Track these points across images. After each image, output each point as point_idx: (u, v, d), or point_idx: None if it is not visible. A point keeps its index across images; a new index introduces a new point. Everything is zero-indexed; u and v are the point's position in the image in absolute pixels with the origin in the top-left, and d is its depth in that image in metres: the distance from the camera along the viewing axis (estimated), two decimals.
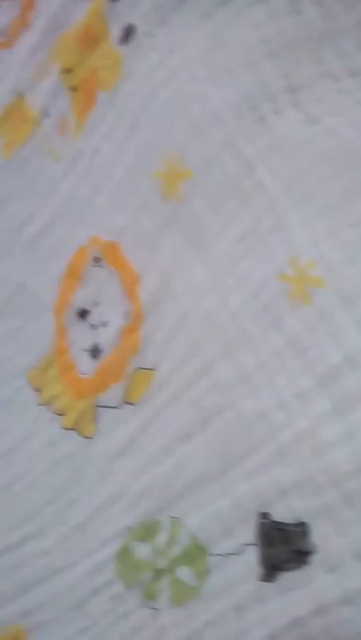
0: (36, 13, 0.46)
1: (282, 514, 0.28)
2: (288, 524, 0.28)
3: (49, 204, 0.41)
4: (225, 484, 0.30)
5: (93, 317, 0.37)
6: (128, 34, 0.37)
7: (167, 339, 0.33)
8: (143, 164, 0.35)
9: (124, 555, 0.32)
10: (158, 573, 0.31)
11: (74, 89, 0.40)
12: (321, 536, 0.27)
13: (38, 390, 0.38)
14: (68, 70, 0.41)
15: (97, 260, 0.37)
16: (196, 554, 0.30)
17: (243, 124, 0.31)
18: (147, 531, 0.32)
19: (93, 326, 0.37)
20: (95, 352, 0.36)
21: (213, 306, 0.31)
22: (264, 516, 0.29)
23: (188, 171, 0.32)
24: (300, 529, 0.27)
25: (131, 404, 0.34)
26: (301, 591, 0.27)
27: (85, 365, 0.37)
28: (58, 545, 0.34)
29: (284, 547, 0.28)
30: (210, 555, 0.30)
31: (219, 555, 0.29)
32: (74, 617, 0.32)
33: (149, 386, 0.34)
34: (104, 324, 0.36)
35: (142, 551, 0.31)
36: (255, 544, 0.29)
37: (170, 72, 0.34)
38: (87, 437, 0.35)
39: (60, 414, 0.37)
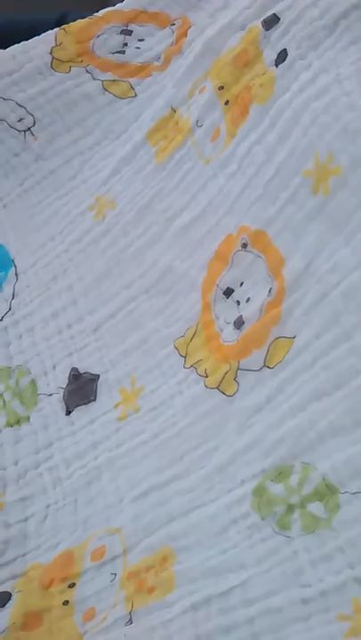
0: (189, 42, 0.54)
1: None
2: None
3: (198, 200, 0.47)
4: (356, 435, 0.35)
5: (237, 295, 0.43)
6: (281, 57, 0.44)
7: (308, 311, 0.38)
8: (294, 164, 0.40)
9: (259, 491, 0.37)
10: (291, 507, 0.35)
11: (227, 103, 0.47)
12: None
13: (184, 356, 0.44)
14: (222, 87, 0.48)
15: (245, 245, 0.43)
16: (326, 492, 0.35)
17: None
18: (280, 473, 0.37)
19: (237, 302, 0.43)
20: (239, 323, 0.42)
21: (356, 281, 0.36)
22: None
23: (337, 168, 0.38)
24: None
25: (270, 367, 0.39)
26: None
27: (229, 335, 0.42)
28: (200, 484, 0.39)
29: None
30: (341, 493, 0.34)
31: (348, 492, 0.34)
32: (216, 541, 0.37)
33: (288, 352, 0.39)
34: (247, 300, 0.42)
35: (276, 489, 0.36)
36: None
37: (322, 87, 0.40)
38: (229, 396, 0.41)
39: (205, 376, 0.42)
